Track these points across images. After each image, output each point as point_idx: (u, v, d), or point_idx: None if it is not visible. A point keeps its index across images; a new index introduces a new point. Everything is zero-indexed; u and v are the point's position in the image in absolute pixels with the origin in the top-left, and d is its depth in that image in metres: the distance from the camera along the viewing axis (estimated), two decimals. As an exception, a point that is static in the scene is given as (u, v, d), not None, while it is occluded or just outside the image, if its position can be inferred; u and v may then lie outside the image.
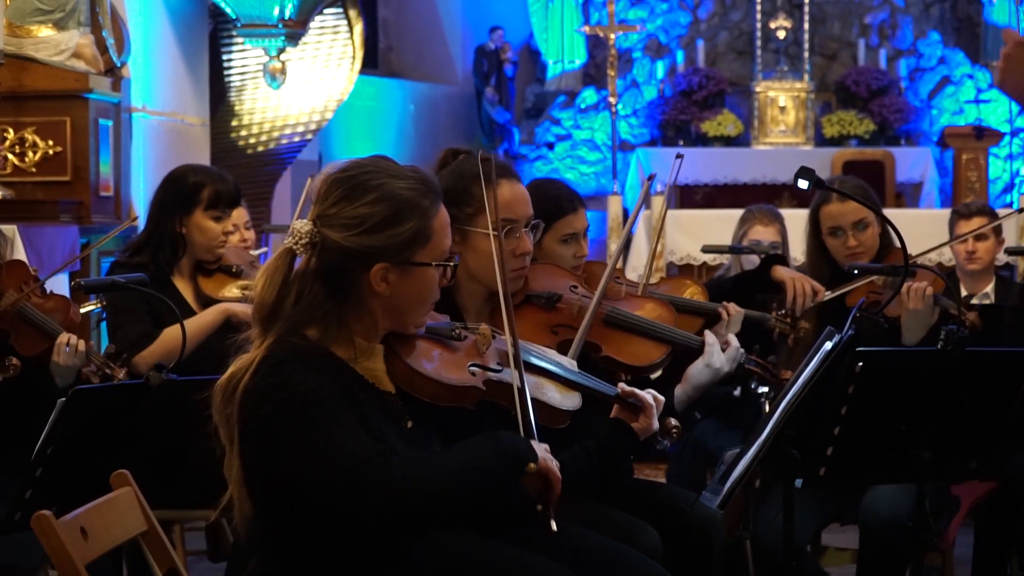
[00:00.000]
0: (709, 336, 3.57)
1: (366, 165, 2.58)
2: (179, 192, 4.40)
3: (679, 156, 4.27)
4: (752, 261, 5.68)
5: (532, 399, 2.72)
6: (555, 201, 3.82)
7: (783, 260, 4.41)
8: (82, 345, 4.03)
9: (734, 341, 3.57)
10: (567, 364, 3.02)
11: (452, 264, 2.61)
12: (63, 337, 4.04)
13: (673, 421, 3.03)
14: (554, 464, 2.59)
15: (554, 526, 2.58)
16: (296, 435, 2.41)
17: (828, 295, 4.14)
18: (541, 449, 2.60)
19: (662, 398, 2.97)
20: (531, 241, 3.36)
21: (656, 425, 2.94)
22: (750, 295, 4.44)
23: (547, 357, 2.91)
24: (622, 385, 2.97)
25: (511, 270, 3.32)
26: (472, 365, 2.69)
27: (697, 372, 3.54)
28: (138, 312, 4.23)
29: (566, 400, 2.84)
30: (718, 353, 3.53)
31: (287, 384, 2.42)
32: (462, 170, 3.30)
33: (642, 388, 3.04)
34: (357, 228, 2.51)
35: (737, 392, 4.79)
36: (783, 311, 4.06)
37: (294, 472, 2.42)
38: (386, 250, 2.52)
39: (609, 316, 3.52)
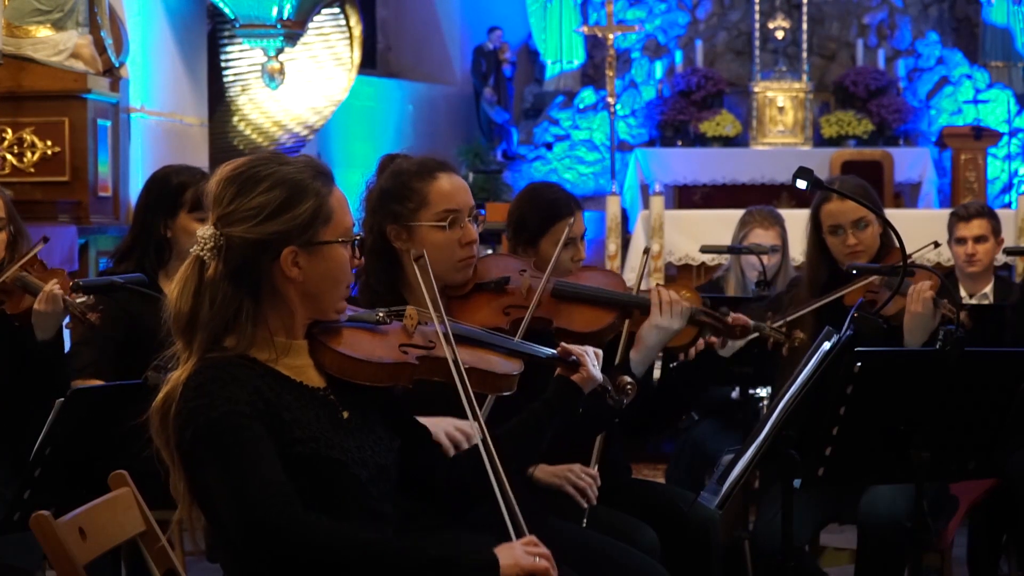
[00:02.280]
0: (655, 295, 3.57)
1: (254, 159, 2.58)
2: (162, 194, 4.34)
3: (646, 252, 4.27)
4: (750, 262, 5.69)
5: (475, 369, 2.69)
6: (551, 205, 3.84)
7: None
8: (59, 292, 4.04)
9: (674, 295, 3.58)
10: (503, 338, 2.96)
11: (357, 239, 2.60)
12: (47, 287, 4.05)
13: (627, 378, 3.01)
14: (531, 557, 2.43)
15: None
16: (212, 461, 2.41)
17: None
18: (514, 549, 2.45)
19: (600, 351, 2.91)
20: (476, 230, 3.37)
21: (598, 375, 2.86)
22: None
23: (482, 333, 2.86)
24: (562, 344, 2.91)
25: (459, 259, 3.34)
26: (402, 346, 2.66)
27: (647, 332, 3.55)
28: (103, 341, 4.21)
29: (507, 365, 2.78)
30: (666, 311, 3.54)
31: (203, 408, 2.42)
32: (399, 169, 3.35)
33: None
34: (257, 218, 2.50)
35: (735, 394, 4.78)
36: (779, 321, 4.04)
37: (214, 497, 2.44)
38: (289, 233, 2.51)
39: (556, 289, 3.53)
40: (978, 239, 5.51)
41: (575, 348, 2.88)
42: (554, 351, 2.89)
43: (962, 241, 5.53)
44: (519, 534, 2.50)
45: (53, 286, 4.07)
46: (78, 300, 4.08)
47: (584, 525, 3.47)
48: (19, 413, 4.10)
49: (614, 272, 3.79)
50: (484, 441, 2.59)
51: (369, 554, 2.41)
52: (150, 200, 4.37)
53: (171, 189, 4.33)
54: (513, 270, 3.52)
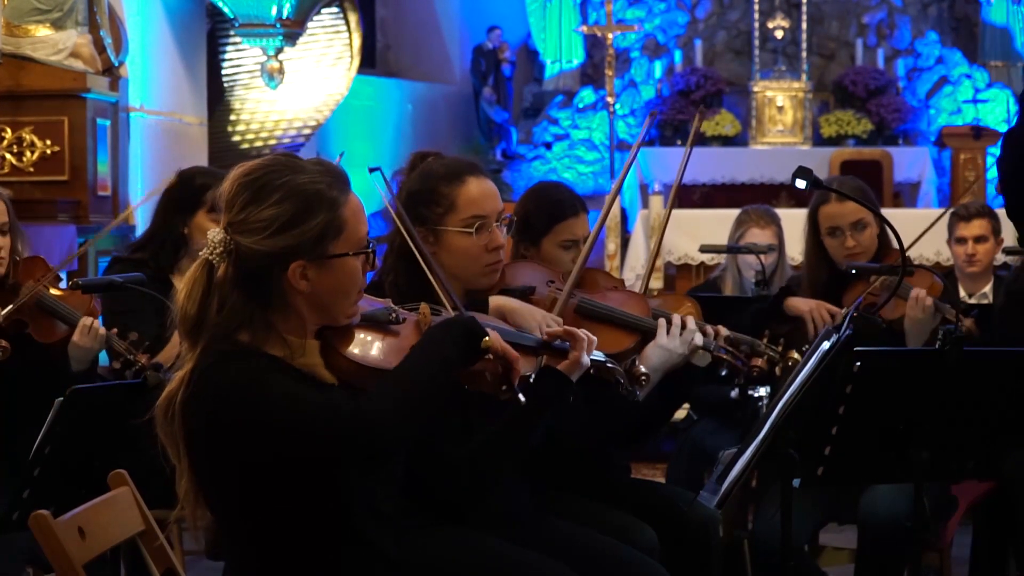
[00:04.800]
0: (663, 319, 3.55)
1: (268, 165, 2.55)
2: (185, 192, 4.45)
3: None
4: (747, 261, 5.69)
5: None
6: (556, 205, 3.83)
7: (793, 291, 4.37)
8: (102, 329, 4.05)
9: (691, 324, 3.54)
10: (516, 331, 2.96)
11: (370, 251, 2.58)
12: (86, 320, 4.05)
13: (642, 368, 3.00)
14: (502, 340, 2.61)
15: (522, 398, 2.59)
16: (255, 420, 2.40)
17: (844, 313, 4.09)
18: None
19: (594, 338, 2.90)
20: (503, 235, 3.36)
21: (586, 361, 2.85)
22: (764, 329, 4.38)
23: (496, 324, 2.85)
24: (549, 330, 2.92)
25: (485, 264, 3.33)
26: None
27: (651, 351, 3.50)
28: (144, 313, 4.21)
29: (524, 366, 2.77)
30: (674, 334, 3.51)
31: (222, 382, 2.41)
32: (428, 171, 3.33)
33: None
34: (267, 230, 2.48)
35: (734, 394, 4.77)
36: (776, 341, 4.02)
37: (267, 451, 2.41)
38: (299, 247, 2.49)
39: (581, 306, 3.52)
40: (978, 239, 5.51)
41: (568, 331, 2.86)
42: (540, 337, 2.88)
43: (962, 241, 5.53)
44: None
45: (93, 321, 4.06)
46: (121, 339, 4.06)
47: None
48: (21, 411, 4.09)
49: (640, 294, 3.75)
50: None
51: (412, 377, 2.50)
52: (173, 197, 4.48)
53: (194, 188, 4.44)
54: (540, 280, 3.51)
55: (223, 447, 2.44)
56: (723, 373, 3.66)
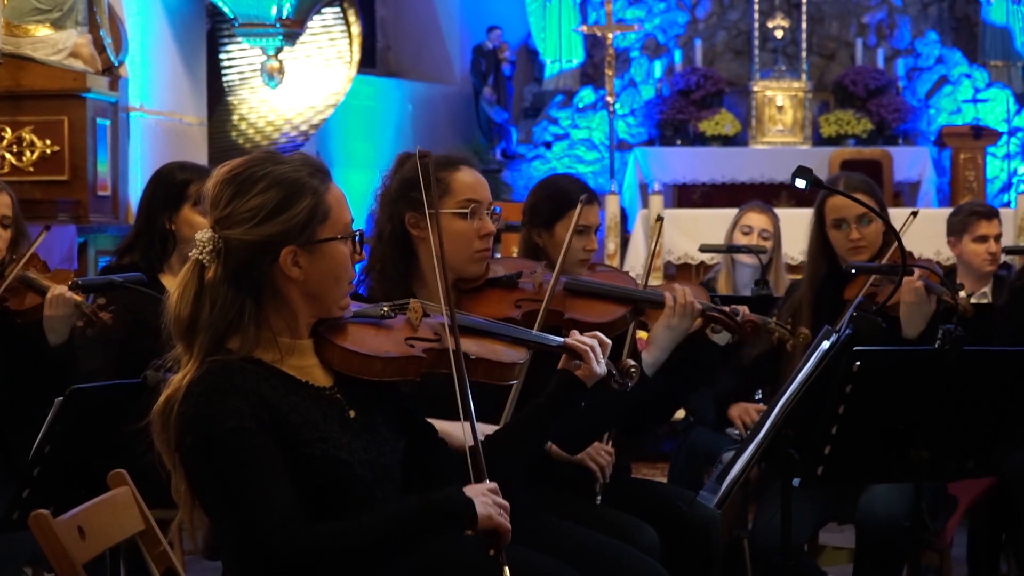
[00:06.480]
0: (669, 297, 3.58)
1: (249, 159, 2.57)
2: (167, 189, 4.40)
3: (659, 219, 4.60)
4: (742, 259, 5.72)
5: (481, 359, 2.70)
6: (569, 192, 3.87)
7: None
8: (69, 293, 4.06)
9: (688, 296, 3.60)
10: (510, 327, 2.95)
11: (356, 236, 2.59)
12: (54, 289, 4.07)
13: (630, 361, 3.01)
14: (498, 511, 2.50)
15: (507, 573, 2.50)
16: (213, 474, 2.42)
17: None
18: (483, 496, 2.51)
19: (608, 341, 2.87)
20: (495, 226, 3.39)
21: (599, 369, 2.82)
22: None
23: (487, 322, 2.85)
24: (570, 336, 2.87)
25: (476, 251, 3.35)
26: (408, 339, 2.66)
27: (660, 334, 3.58)
28: (105, 345, 4.22)
29: (513, 354, 2.78)
30: (677, 312, 3.58)
31: (206, 419, 2.41)
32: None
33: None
34: (254, 220, 2.49)
35: (736, 434, 4.79)
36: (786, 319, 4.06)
37: (215, 507, 2.46)
38: (288, 233, 2.50)
39: (569, 284, 3.55)
40: (996, 238, 5.50)
41: (580, 342, 2.84)
42: (563, 340, 2.88)
43: (984, 239, 5.46)
44: (479, 479, 2.55)
45: (60, 288, 4.08)
46: (87, 300, 4.10)
47: (598, 501, 3.57)
48: (17, 411, 4.09)
49: (625, 273, 3.81)
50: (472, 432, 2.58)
51: (362, 542, 2.43)
52: (155, 195, 4.42)
53: (176, 184, 4.39)
54: (525, 267, 3.53)
55: (199, 478, 2.47)
56: (717, 331, 3.70)
